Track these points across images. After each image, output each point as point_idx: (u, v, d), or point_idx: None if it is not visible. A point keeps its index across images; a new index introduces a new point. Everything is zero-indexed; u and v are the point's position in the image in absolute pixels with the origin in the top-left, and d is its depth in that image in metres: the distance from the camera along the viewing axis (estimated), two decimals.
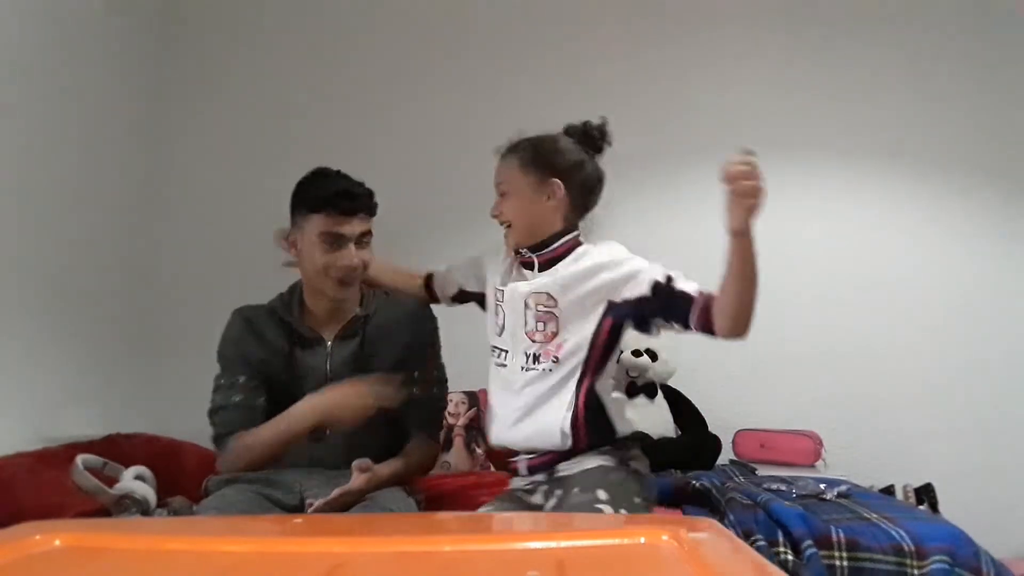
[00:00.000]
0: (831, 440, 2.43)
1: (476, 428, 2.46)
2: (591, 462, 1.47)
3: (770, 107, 2.85)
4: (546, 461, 1.52)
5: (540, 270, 1.55)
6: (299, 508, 1.50)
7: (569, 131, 1.61)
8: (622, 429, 1.52)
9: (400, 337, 1.72)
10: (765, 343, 2.70)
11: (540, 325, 1.50)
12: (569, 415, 1.46)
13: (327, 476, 1.54)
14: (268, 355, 1.66)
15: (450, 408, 2.44)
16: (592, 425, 1.47)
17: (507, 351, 1.56)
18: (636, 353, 2.43)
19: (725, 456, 2.45)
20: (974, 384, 2.64)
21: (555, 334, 1.49)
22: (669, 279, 1.47)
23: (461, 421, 2.44)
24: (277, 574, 0.66)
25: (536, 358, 1.51)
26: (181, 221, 2.89)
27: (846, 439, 2.51)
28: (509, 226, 1.57)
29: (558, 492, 1.47)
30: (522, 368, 1.52)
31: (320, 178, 1.70)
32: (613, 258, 1.51)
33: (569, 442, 1.46)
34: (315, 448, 1.62)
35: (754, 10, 2.91)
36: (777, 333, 2.71)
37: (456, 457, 2.36)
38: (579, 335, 1.49)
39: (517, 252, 1.60)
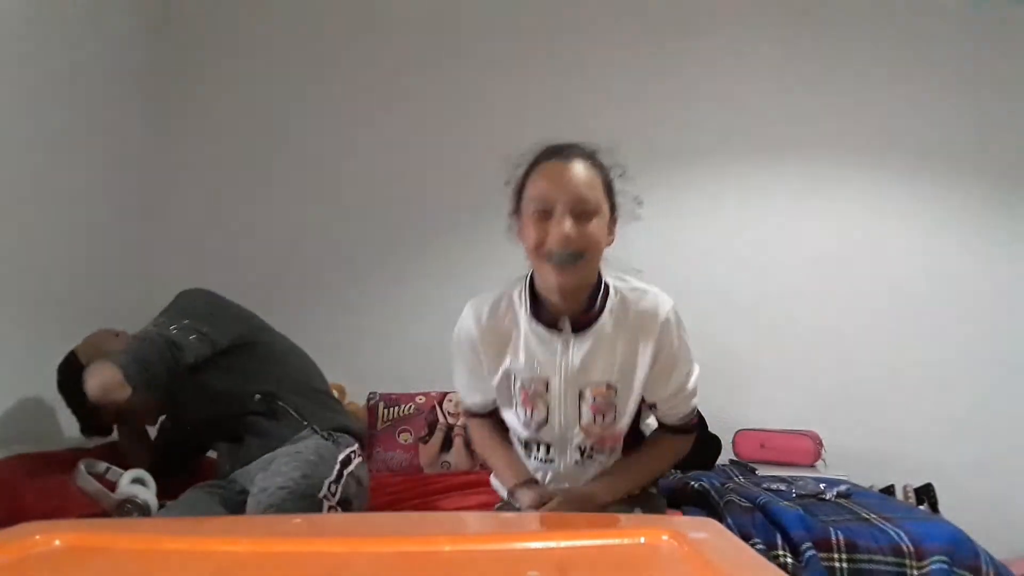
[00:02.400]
0: (831, 440, 2.43)
1: None
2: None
3: (770, 107, 2.85)
4: None
5: (574, 330, 1.30)
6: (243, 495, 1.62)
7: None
8: None
9: None
10: (765, 343, 2.73)
11: (599, 418, 1.31)
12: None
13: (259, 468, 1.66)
14: None
15: (450, 408, 2.45)
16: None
17: (551, 445, 1.36)
18: None
19: (725, 456, 2.44)
20: (974, 384, 2.64)
21: (614, 420, 1.32)
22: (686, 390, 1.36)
23: (461, 421, 2.44)
24: (277, 574, 0.66)
25: (592, 449, 1.34)
26: (181, 221, 2.90)
27: (846, 439, 2.51)
28: (577, 256, 1.22)
29: None
30: (576, 463, 1.36)
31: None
32: (665, 322, 1.29)
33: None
34: (240, 458, 1.74)
35: (754, 10, 2.91)
36: (777, 333, 2.72)
37: (456, 457, 2.36)
38: (633, 411, 1.35)
39: (537, 309, 1.31)
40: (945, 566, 1.42)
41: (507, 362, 1.35)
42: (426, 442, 2.40)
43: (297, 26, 3.04)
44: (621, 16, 2.95)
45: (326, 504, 1.53)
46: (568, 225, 1.20)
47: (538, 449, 1.38)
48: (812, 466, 2.34)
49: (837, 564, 1.48)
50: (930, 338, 2.69)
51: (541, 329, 1.31)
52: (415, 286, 2.83)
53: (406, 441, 2.39)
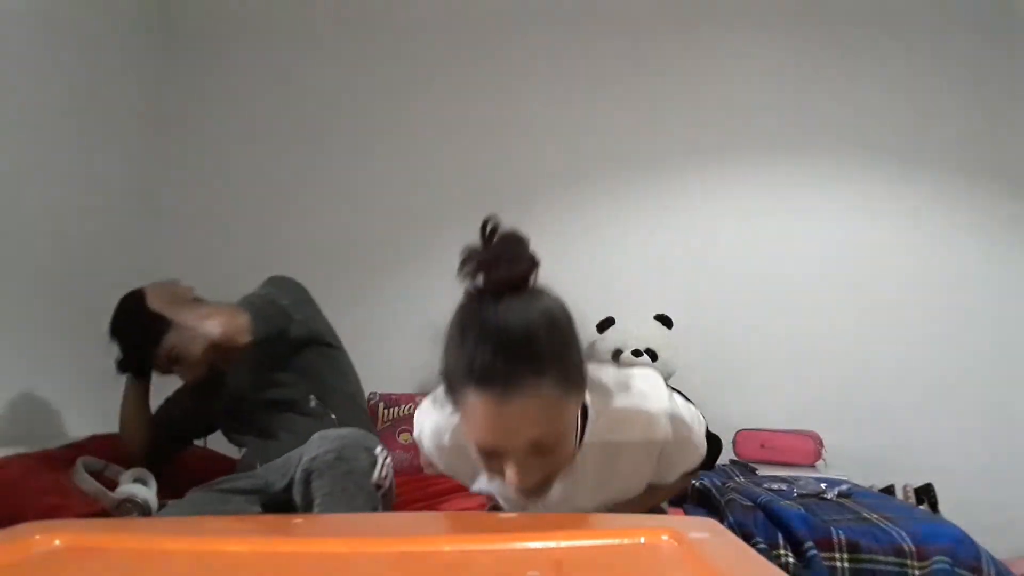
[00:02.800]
0: (831, 440, 2.43)
1: None
2: None
3: (771, 108, 2.85)
4: None
5: None
6: (266, 492, 1.59)
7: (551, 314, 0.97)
8: None
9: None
10: (765, 343, 2.73)
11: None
12: None
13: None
14: None
15: None
16: None
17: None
18: (636, 353, 2.42)
19: (725, 456, 2.44)
20: (974, 384, 2.64)
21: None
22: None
23: None
24: (277, 574, 0.65)
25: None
26: (181, 221, 2.90)
27: (846, 439, 2.51)
28: (544, 487, 1.01)
29: None
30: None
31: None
32: (659, 450, 1.13)
33: None
34: (268, 454, 1.71)
35: (754, 11, 2.91)
36: (777, 333, 2.72)
37: None
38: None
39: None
40: (947, 566, 1.42)
41: (480, 483, 1.22)
42: None
43: (298, 27, 3.04)
44: (624, 16, 2.95)
45: (380, 460, 1.48)
46: (518, 474, 0.94)
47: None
48: (812, 466, 2.34)
49: (839, 564, 1.48)
50: (931, 338, 2.69)
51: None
52: (416, 286, 2.83)
53: (406, 441, 2.39)
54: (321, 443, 1.45)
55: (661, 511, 1.49)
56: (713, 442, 2.41)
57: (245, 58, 3.03)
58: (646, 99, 2.90)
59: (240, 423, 1.86)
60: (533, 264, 0.94)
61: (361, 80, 2.99)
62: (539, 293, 0.96)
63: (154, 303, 1.77)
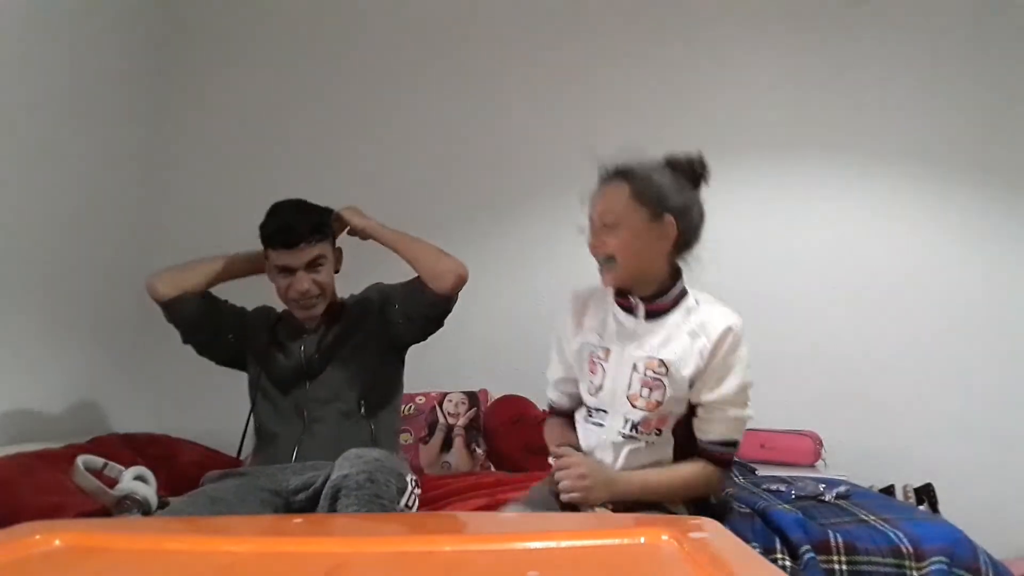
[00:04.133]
0: (831, 440, 2.43)
1: (476, 428, 2.46)
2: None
3: (771, 108, 2.85)
4: None
5: (646, 317, 1.46)
6: (282, 495, 1.61)
7: (674, 164, 1.47)
8: None
9: (366, 311, 1.88)
10: (765, 343, 2.70)
11: (645, 391, 1.42)
12: None
13: (315, 468, 1.63)
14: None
15: (450, 408, 2.45)
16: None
17: (605, 411, 1.47)
18: None
19: None
20: (974, 384, 2.64)
21: (659, 403, 1.41)
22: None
23: (461, 421, 2.44)
24: (277, 574, 0.66)
25: (636, 427, 1.42)
26: (180, 222, 2.89)
27: (846, 439, 2.51)
28: (609, 259, 1.43)
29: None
30: (621, 434, 1.44)
31: (268, 216, 1.79)
32: (728, 330, 1.43)
33: None
34: (302, 445, 1.72)
35: (754, 11, 2.91)
36: (777, 333, 2.71)
37: (456, 457, 2.36)
38: (682, 407, 1.44)
39: (620, 294, 1.49)
40: (944, 567, 1.42)
41: (584, 333, 1.53)
42: (426, 443, 2.40)
43: (295, 26, 3.04)
44: (627, 17, 2.95)
45: (410, 487, 1.57)
46: (595, 237, 1.45)
47: (595, 414, 1.49)
48: (812, 466, 2.34)
49: (836, 566, 1.48)
50: (930, 338, 2.68)
51: (618, 310, 1.50)
52: None
53: (406, 442, 2.39)
54: (355, 463, 1.47)
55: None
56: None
57: (244, 58, 3.03)
58: (644, 100, 2.90)
59: (284, 395, 1.81)
60: None
61: (360, 80, 2.99)
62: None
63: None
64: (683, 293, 1.49)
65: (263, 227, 1.76)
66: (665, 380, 1.41)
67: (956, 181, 2.77)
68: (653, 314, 1.46)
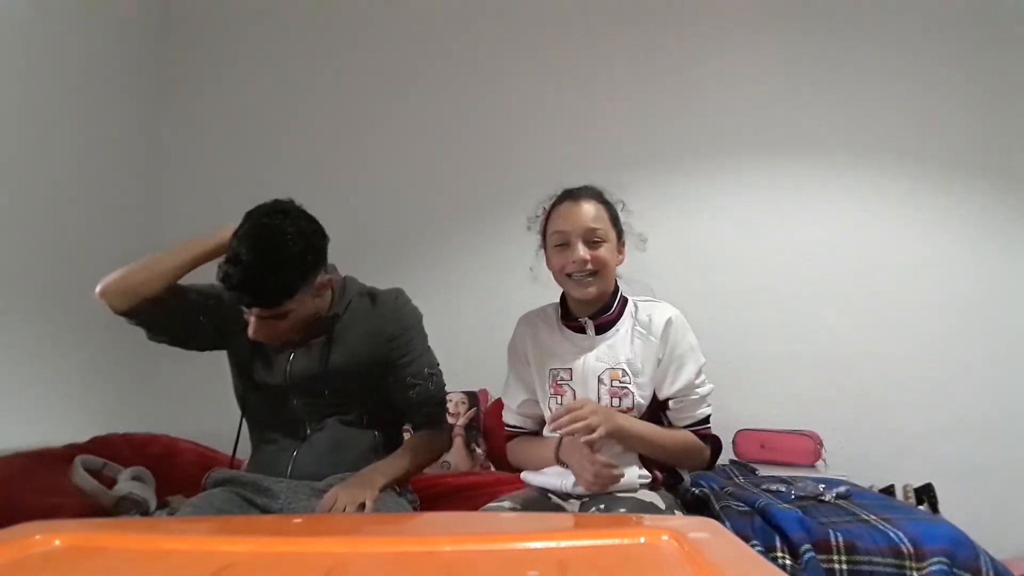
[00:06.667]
0: (831, 440, 2.44)
1: (476, 428, 2.46)
2: (647, 496, 1.47)
3: (771, 108, 2.85)
4: None
5: (596, 333, 1.55)
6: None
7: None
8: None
9: (374, 330, 1.65)
10: (765, 343, 2.73)
11: (615, 401, 1.50)
12: (642, 470, 1.51)
13: (312, 489, 1.53)
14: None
15: (450, 408, 2.44)
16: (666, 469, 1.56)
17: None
18: None
19: (725, 456, 2.44)
20: (974, 384, 2.64)
21: (630, 409, 1.50)
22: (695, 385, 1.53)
23: (461, 421, 2.44)
24: (277, 574, 0.65)
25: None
26: (179, 222, 2.89)
27: (846, 439, 2.51)
28: (592, 274, 1.51)
29: (600, 507, 1.42)
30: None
31: (229, 262, 1.51)
32: (669, 321, 1.53)
33: (648, 482, 1.51)
34: (299, 456, 1.60)
35: (754, 11, 2.91)
36: (777, 333, 2.72)
37: (456, 457, 2.36)
38: (647, 399, 1.52)
39: (567, 317, 1.59)
40: (945, 567, 1.42)
41: (542, 356, 1.60)
42: None
43: (295, 25, 3.04)
44: (626, 16, 2.95)
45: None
46: (582, 251, 1.50)
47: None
48: (812, 466, 2.34)
49: (836, 566, 1.48)
50: (930, 338, 2.68)
51: (569, 331, 1.59)
52: (416, 285, 2.82)
53: None
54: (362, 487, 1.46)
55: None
56: (713, 442, 2.43)
57: (243, 58, 3.03)
58: (642, 101, 2.90)
59: (284, 400, 1.65)
60: None
61: (359, 79, 2.99)
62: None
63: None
64: (624, 301, 1.59)
65: (222, 279, 1.48)
66: (631, 386, 1.50)
67: (955, 181, 2.77)
68: (602, 328, 1.56)
